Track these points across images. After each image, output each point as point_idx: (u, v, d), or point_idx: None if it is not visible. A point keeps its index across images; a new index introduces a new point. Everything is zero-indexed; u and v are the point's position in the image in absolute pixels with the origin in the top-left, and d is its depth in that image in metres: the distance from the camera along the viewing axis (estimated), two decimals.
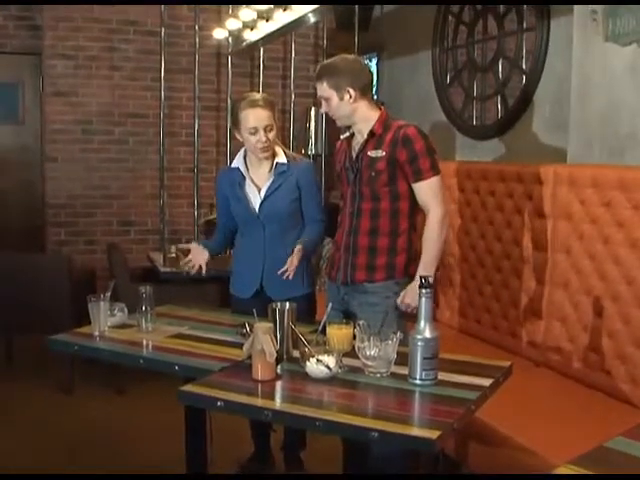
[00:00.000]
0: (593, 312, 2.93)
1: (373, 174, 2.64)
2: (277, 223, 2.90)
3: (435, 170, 2.62)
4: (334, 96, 2.62)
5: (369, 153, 2.65)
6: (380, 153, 2.62)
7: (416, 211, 2.71)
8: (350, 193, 2.73)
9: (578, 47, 3.28)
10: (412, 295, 2.54)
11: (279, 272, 2.76)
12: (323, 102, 2.68)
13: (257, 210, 2.90)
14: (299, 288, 2.92)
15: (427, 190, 2.62)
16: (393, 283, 2.68)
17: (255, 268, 2.91)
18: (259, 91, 5.54)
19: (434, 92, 4.67)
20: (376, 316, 2.48)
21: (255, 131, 2.80)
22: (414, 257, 2.70)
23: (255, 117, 2.79)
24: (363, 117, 2.66)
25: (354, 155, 2.71)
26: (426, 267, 2.59)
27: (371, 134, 2.65)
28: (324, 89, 2.63)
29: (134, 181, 5.65)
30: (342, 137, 2.82)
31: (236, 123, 2.86)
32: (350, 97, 2.61)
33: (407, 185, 2.64)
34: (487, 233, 3.62)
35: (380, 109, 2.70)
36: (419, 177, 2.61)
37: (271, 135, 2.82)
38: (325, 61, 2.76)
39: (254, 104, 2.81)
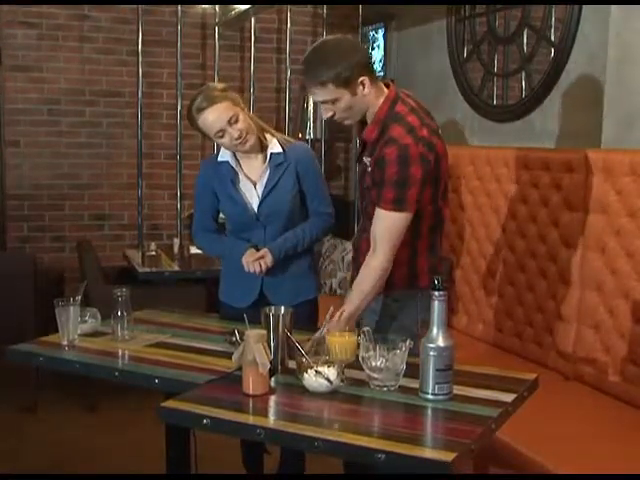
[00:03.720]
0: (632, 318, 2.94)
1: (365, 186, 2.56)
2: (279, 222, 2.89)
3: (397, 205, 2.39)
4: (345, 95, 2.39)
5: (364, 159, 2.54)
6: (369, 164, 2.49)
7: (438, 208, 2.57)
8: (360, 190, 2.69)
9: (616, 11, 3.28)
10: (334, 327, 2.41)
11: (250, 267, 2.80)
12: (327, 107, 2.46)
13: (256, 211, 2.89)
14: (307, 292, 2.94)
15: (379, 221, 2.46)
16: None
17: (254, 274, 2.87)
18: (250, 67, 5.57)
19: (449, 68, 4.67)
20: (376, 324, 2.48)
21: (222, 133, 2.77)
22: (423, 268, 2.60)
23: (213, 119, 2.74)
24: (373, 108, 2.49)
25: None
26: (348, 306, 2.46)
27: (363, 141, 2.55)
28: (329, 91, 2.38)
29: (108, 169, 5.65)
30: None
31: (202, 133, 2.84)
32: (363, 88, 2.41)
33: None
34: (508, 228, 3.63)
35: (384, 91, 2.51)
36: (378, 204, 2.44)
37: (240, 124, 2.76)
38: (311, 55, 2.45)
39: (203, 107, 2.74)
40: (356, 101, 2.43)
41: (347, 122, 2.55)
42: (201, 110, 2.75)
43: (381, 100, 2.48)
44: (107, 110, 5.59)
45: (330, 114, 2.47)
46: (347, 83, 2.38)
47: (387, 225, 2.44)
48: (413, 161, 2.37)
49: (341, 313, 2.45)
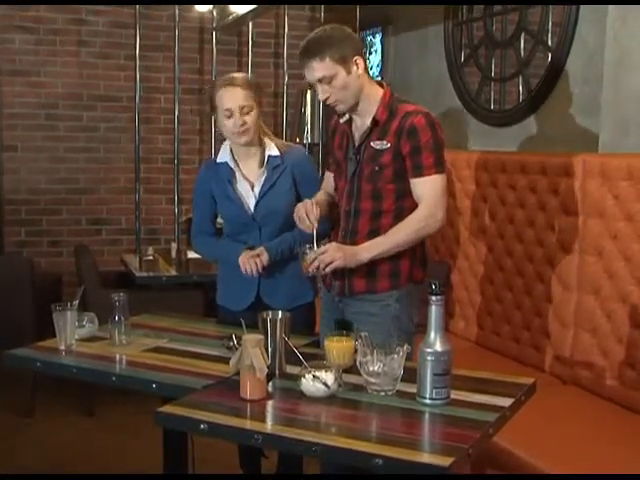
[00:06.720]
0: (629, 322, 2.94)
1: (377, 169, 2.58)
2: (275, 223, 2.90)
3: (439, 168, 2.55)
4: (341, 72, 2.51)
5: (372, 144, 2.59)
6: (385, 145, 2.57)
7: None
8: (347, 189, 2.67)
9: (613, 15, 3.29)
10: (334, 253, 2.52)
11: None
12: (323, 87, 2.55)
13: (252, 210, 2.91)
14: (304, 296, 2.94)
15: (425, 186, 2.56)
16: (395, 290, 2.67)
17: (251, 277, 2.88)
18: (248, 72, 5.57)
19: (446, 72, 4.67)
20: (375, 327, 2.48)
21: (230, 114, 2.80)
22: (419, 260, 2.69)
23: (229, 97, 2.80)
24: (367, 95, 2.60)
25: (356, 144, 2.65)
26: (372, 248, 2.56)
27: (374, 122, 2.59)
28: (327, 66, 2.50)
29: (106, 174, 5.65)
30: (342, 120, 2.71)
31: (214, 108, 2.87)
32: (358, 68, 2.55)
33: None
34: (506, 232, 3.63)
35: (382, 87, 2.65)
36: (419, 173, 2.55)
37: (249, 118, 2.80)
38: (311, 37, 2.58)
39: (229, 82, 2.82)
40: (351, 81, 2.55)
41: (340, 107, 2.63)
42: (228, 83, 2.83)
43: (379, 89, 2.63)
44: (105, 115, 5.60)
45: (326, 95, 2.57)
46: (344, 60, 2.53)
47: (436, 190, 2.56)
48: (438, 127, 2.58)
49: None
